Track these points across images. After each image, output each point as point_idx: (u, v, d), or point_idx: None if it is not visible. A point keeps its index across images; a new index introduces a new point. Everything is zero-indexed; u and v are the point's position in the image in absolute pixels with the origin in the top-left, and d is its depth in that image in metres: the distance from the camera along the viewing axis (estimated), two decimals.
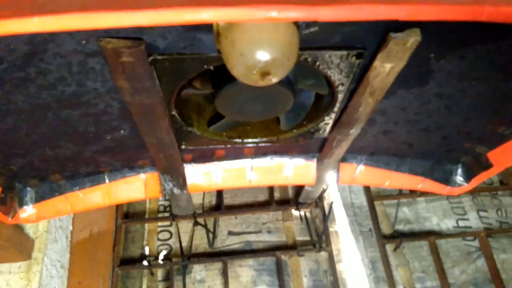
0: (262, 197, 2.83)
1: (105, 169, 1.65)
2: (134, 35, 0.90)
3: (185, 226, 2.69)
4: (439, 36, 1.02)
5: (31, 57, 0.92)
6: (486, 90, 1.27)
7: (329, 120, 1.42)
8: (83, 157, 1.49)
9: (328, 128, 1.47)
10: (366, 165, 1.82)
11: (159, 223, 2.74)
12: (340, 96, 1.26)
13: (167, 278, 2.51)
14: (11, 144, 1.30)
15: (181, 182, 1.73)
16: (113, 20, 0.73)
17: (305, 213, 2.76)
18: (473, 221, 2.82)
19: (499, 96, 1.30)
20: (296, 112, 1.41)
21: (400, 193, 2.86)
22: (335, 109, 1.34)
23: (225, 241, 2.66)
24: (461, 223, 2.81)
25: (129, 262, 2.56)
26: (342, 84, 1.19)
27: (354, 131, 1.45)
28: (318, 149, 1.72)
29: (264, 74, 0.86)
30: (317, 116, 1.43)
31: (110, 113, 1.22)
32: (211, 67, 1.04)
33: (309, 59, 1.06)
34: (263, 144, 1.57)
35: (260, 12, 0.74)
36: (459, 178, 1.82)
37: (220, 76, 1.16)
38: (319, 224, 2.72)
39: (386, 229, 2.76)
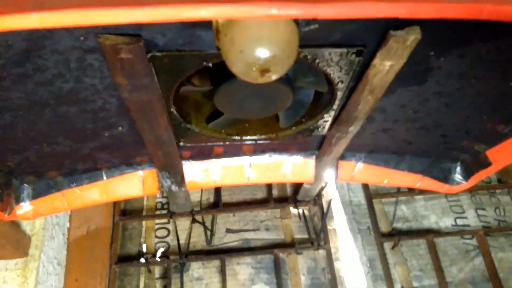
0: (260, 194, 2.83)
1: (103, 165, 1.64)
2: (133, 32, 0.89)
3: (183, 223, 2.69)
4: (439, 35, 1.01)
5: (29, 53, 0.91)
6: (485, 89, 1.27)
7: (328, 117, 1.41)
8: (80, 154, 1.48)
9: (327, 125, 1.47)
10: (365, 163, 1.82)
11: (157, 221, 2.73)
12: (340, 94, 1.26)
13: (165, 275, 2.51)
14: (8, 141, 1.29)
15: (179, 179, 1.72)
16: (111, 16, 0.72)
17: (303, 211, 2.76)
18: (471, 219, 2.82)
19: (498, 94, 1.30)
20: (295, 110, 1.41)
21: (398, 191, 2.87)
22: (335, 106, 1.34)
23: (223, 239, 2.66)
24: (459, 222, 2.81)
25: (126, 259, 2.55)
26: (342, 82, 1.18)
27: (353, 129, 1.44)
28: (317, 147, 1.72)
29: (264, 71, 0.85)
30: (316, 113, 1.42)
31: (108, 109, 1.22)
32: (210, 64, 1.04)
33: (308, 57, 1.05)
34: (261, 142, 1.56)
35: (260, 9, 0.74)
36: (457, 176, 1.82)
37: (219, 73, 1.15)
38: (317, 222, 2.72)
39: (384, 227, 2.77)
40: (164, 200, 2.80)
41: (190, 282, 2.50)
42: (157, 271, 2.57)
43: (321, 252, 2.63)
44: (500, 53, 1.09)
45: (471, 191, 2.89)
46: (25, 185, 1.62)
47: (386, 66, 1.06)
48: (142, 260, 2.52)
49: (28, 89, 1.04)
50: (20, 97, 1.07)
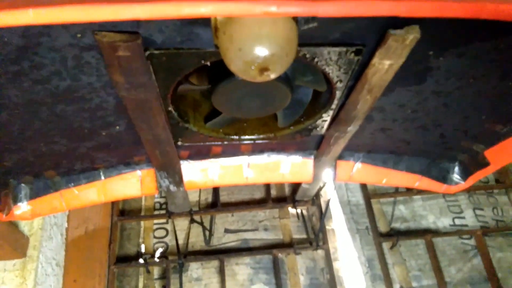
0: (259, 194, 2.82)
1: (101, 165, 1.64)
2: (131, 29, 0.89)
3: (181, 223, 2.68)
4: (438, 34, 1.01)
5: (25, 50, 0.91)
6: (484, 89, 1.27)
7: (327, 117, 1.41)
8: (78, 153, 1.47)
9: (325, 125, 1.47)
10: (363, 163, 1.82)
11: (155, 221, 2.72)
12: (338, 93, 1.25)
13: (164, 276, 2.50)
14: (5, 140, 1.28)
15: (177, 179, 1.72)
16: (109, 12, 0.72)
17: (301, 211, 2.75)
18: (469, 219, 2.82)
19: (497, 94, 1.30)
20: (293, 109, 1.40)
21: (396, 191, 2.86)
22: (333, 106, 1.34)
23: (221, 239, 2.66)
24: (457, 222, 2.81)
25: (125, 260, 2.54)
26: (341, 81, 1.18)
27: (352, 128, 1.44)
28: (316, 146, 1.72)
29: (263, 69, 0.85)
30: (315, 113, 1.42)
31: (106, 108, 1.21)
32: (208, 63, 1.03)
33: (307, 55, 1.05)
34: (260, 141, 1.56)
35: (260, 6, 0.73)
36: (456, 176, 1.82)
37: (217, 72, 1.15)
38: (315, 222, 2.72)
39: (382, 227, 2.76)
40: (162, 200, 2.79)
41: (189, 283, 2.49)
42: (156, 271, 2.56)
43: (320, 252, 2.63)
44: (499, 52, 1.08)
45: (469, 191, 2.89)
46: (23, 185, 1.61)
47: (385, 65, 1.05)
48: (141, 260, 2.51)
49: (24, 87, 1.04)
50: (16, 95, 1.06)
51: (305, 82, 1.26)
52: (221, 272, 2.47)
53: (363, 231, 2.75)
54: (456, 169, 1.82)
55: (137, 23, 0.88)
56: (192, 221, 2.61)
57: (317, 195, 2.72)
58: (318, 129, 1.49)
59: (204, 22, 0.89)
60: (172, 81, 1.11)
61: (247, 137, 1.53)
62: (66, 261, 2.29)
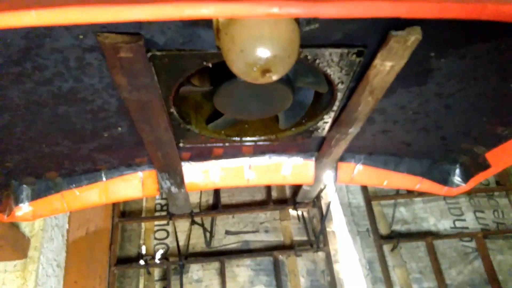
0: (260, 196, 2.82)
1: (102, 166, 1.64)
2: (133, 30, 0.89)
3: (182, 225, 2.68)
4: (439, 35, 1.01)
5: (28, 51, 0.91)
6: (485, 90, 1.27)
7: (328, 118, 1.41)
8: (79, 155, 1.48)
9: (327, 127, 1.47)
10: (364, 165, 1.82)
11: (156, 222, 2.72)
12: (340, 95, 1.25)
13: (164, 277, 2.50)
14: (7, 141, 1.28)
15: (178, 180, 1.72)
16: (112, 14, 0.72)
17: (302, 212, 2.75)
18: (470, 221, 2.82)
19: (498, 96, 1.30)
20: (295, 111, 1.40)
21: (397, 194, 2.86)
22: (335, 107, 1.34)
23: (222, 241, 2.65)
24: (458, 224, 2.81)
25: (125, 261, 2.54)
26: (342, 83, 1.18)
27: (353, 130, 1.44)
28: (317, 148, 1.72)
29: (265, 71, 0.85)
30: (316, 114, 1.42)
31: (108, 110, 1.21)
32: (210, 64, 1.03)
33: (309, 57, 1.05)
34: (261, 143, 1.56)
35: (262, 7, 0.73)
36: (457, 179, 1.82)
37: (219, 73, 1.15)
38: (316, 224, 2.72)
39: (383, 230, 2.76)
40: (163, 202, 2.79)
41: (189, 284, 2.48)
42: (156, 273, 2.56)
43: (321, 254, 2.63)
44: (500, 54, 1.09)
45: (470, 193, 2.89)
46: (24, 186, 1.62)
47: (386, 66, 1.06)
48: (142, 262, 2.51)
49: (26, 89, 1.04)
50: (18, 97, 1.07)
51: (306, 83, 1.26)
52: (222, 273, 2.47)
53: (363, 233, 2.74)
54: (457, 171, 1.82)
55: (139, 24, 0.88)
56: (193, 222, 2.61)
57: (318, 197, 2.71)
58: (319, 130, 1.49)
59: (206, 23, 0.90)
60: (174, 82, 1.11)
61: (248, 138, 1.53)
62: (67, 262, 2.29)
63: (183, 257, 2.49)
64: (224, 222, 2.72)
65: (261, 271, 2.55)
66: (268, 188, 2.79)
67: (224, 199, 2.75)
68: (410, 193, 2.82)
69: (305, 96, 1.38)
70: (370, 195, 2.85)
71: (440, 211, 2.86)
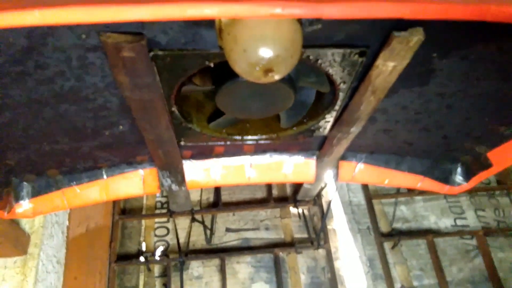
0: (260, 194, 2.82)
1: (103, 164, 1.64)
2: (135, 30, 0.89)
3: (183, 222, 2.68)
4: (442, 36, 1.01)
5: (30, 51, 0.91)
6: (487, 90, 1.27)
7: (330, 118, 1.41)
8: (80, 152, 1.47)
9: (328, 126, 1.46)
10: (365, 163, 1.82)
11: (156, 220, 2.73)
12: (342, 95, 1.25)
13: (164, 274, 2.51)
14: (8, 139, 1.28)
15: (179, 178, 1.72)
16: (114, 14, 0.72)
17: (303, 210, 2.76)
18: (470, 220, 2.82)
19: (500, 96, 1.29)
20: (296, 110, 1.40)
21: (398, 192, 2.87)
22: (336, 107, 1.33)
23: (222, 238, 2.66)
24: (458, 222, 2.82)
25: (125, 258, 2.55)
26: (344, 82, 1.18)
27: (355, 130, 1.44)
28: (318, 147, 1.71)
29: (267, 71, 0.85)
30: (318, 114, 1.42)
31: (109, 108, 1.21)
32: (212, 64, 1.03)
33: (311, 57, 1.05)
34: (262, 142, 1.56)
35: (264, 8, 0.73)
36: (458, 178, 1.82)
37: (221, 73, 1.15)
38: (317, 222, 2.72)
39: (384, 227, 2.76)
40: (163, 199, 2.80)
41: (189, 281, 2.49)
42: (156, 269, 2.56)
43: (321, 251, 2.63)
44: (502, 54, 1.08)
45: (471, 192, 2.89)
46: (25, 183, 1.62)
47: (389, 67, 1.05)
48: (142, 258, 2.52)
49: (28, 87, 1.04)
50: (20, 95, 1.07)
51: (308, 83, 1.26)
52: (222, 270, 2.48)
53: (364, 231, 2.75)
54: (459, 170, 1.82)
55: (142, 24, 0.88)
56: (193, 220, 2.62)
57: (319, 195, 2.72)
58: (321, 130, 1.49)
59: (209, 23, 0.89)
60: (176, 82, 1.11)
61: (250, 137, 1.53)
62: (67, 259, 2.30)
63: (184, 254, 2.50)
64: (224, 219, 2.73)
65: (261, 268, 2.56)
66: (269, 186, 2.80)
67: (225, 197, 2.76)
68: (411, 192, 2.83)
69: (307, 95, 1.38)
70: (371, 194, 2.86)
71: (441, 209, 2.86)
